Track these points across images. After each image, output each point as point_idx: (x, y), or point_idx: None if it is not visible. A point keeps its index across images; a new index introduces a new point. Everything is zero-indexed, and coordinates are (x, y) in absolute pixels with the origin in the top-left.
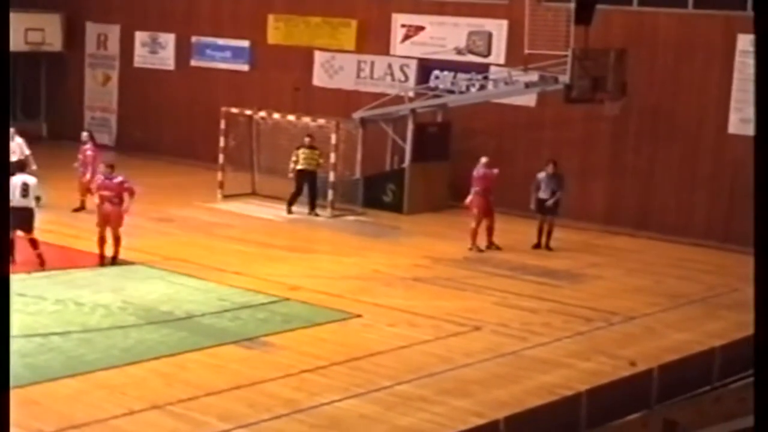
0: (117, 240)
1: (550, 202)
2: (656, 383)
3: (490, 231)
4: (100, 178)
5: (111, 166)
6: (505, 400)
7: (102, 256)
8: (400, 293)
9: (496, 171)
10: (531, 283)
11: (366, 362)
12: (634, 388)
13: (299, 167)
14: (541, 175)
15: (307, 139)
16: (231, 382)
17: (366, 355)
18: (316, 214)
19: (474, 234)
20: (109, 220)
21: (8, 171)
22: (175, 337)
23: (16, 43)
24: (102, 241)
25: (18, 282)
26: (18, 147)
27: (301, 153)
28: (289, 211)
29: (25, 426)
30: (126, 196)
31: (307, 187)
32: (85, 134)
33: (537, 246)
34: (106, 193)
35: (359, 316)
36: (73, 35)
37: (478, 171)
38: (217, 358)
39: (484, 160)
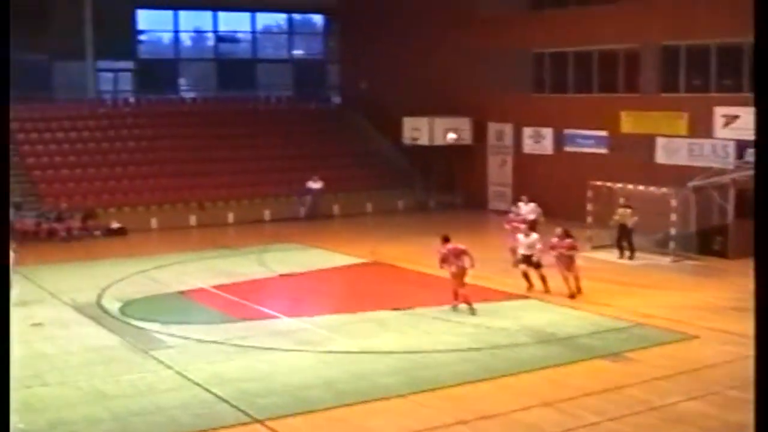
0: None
1: None
2: None
3: None
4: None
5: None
6: None
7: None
8: (728, 320)
9: None
10: None
11: (703, 372)
12: None
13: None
14: None
15: (621, 200)
16: (600, 386)
17: (702, 367)
18: (629, 258)
19: None
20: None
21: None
22: (559, 352)
23: (439, 138)
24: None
25: (443, 312)
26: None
27: (620, 211)
28: (620, 255)
29: (451, 415)
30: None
31: (622, 235)
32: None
33: None
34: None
35: (696, 337)
36: (479, 132)
37: None
38: (590, 368)
39: None
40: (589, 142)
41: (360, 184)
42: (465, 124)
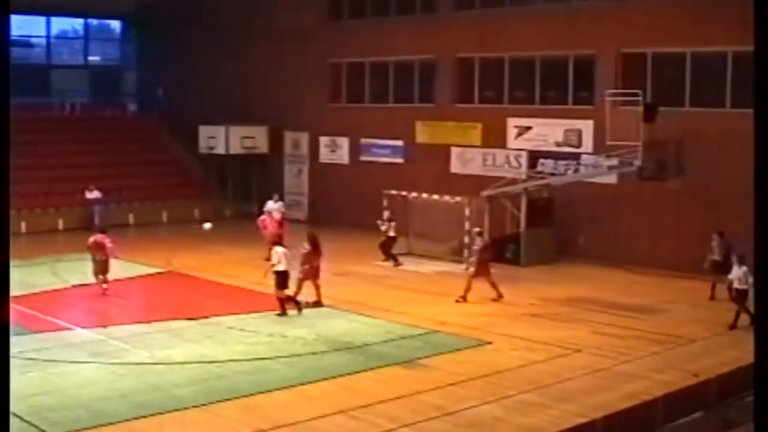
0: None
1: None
2: (714, 390)
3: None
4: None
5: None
6: (601, 404)
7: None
8: (521, 325)
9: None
10: (618, 316)
11: (496, 377)
12: (696, 393)
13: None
14: (714, 243)
15: (386, 214)
16: (395, 393)
17: (495, 372)
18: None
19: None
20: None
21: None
22: (355, 360)
23: (235, 147)
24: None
25: (238, 321)
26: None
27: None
28: (395, 263)
29: (248, 425)
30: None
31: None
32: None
33: (711, 298)
34: None
35: (490, 343)
36: (276, 141)
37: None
38: (385, 375)
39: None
40: (385, 151)
41: (155, 194)
42: (261, 132)
